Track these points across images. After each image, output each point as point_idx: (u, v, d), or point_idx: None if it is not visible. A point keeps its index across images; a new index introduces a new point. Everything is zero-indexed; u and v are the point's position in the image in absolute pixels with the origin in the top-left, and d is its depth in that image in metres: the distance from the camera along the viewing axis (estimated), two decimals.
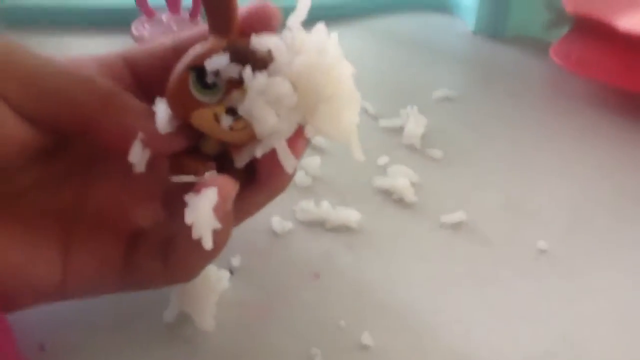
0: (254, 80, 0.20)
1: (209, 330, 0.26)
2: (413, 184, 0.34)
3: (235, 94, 0.20)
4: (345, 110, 0.21)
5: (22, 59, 0.20)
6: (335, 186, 0.34)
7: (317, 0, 0.22)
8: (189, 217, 0.19)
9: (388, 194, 0.34)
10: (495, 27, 0.52)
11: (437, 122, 0.40)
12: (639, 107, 0.42)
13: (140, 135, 0.20)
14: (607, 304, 0.28)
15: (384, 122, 0.40)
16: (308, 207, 0.32)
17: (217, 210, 0.19)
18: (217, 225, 0.20)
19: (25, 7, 0.52)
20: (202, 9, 0.46)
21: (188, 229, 0.19)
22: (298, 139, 0.21)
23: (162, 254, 0.22)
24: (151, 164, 0.21)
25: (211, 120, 0.20)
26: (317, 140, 0.37)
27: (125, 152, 0.20)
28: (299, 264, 0.30)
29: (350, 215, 0.32)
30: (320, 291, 0.28)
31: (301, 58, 0.20)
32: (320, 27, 0.21)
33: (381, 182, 0.34)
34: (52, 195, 0.22)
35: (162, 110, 0.20)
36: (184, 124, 0.20)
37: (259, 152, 0.20)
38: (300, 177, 0.34)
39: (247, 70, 0.20)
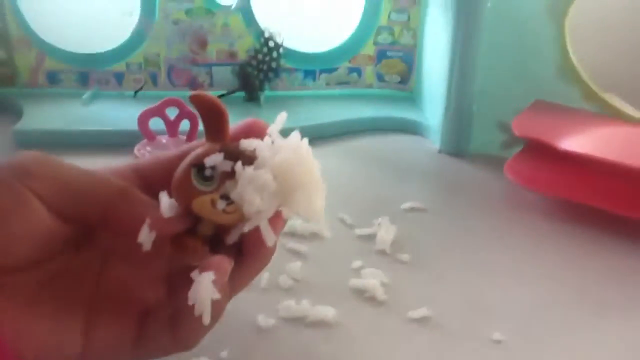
0: (244, 172, 0.25)
1: None
2: (383, 284, 0.39)
3: (228, 183, 0.25)
4: (315, 196, 0.26)
5: (52, 164, 0.25)
6: (315, 287, 0.39)
7: (297, 123, 0.28)
8: (192, 298, 0.24)
9: (361, 293, 0.38)
10: (458, 146, 0.59)
11: (406, 230, 0.45)
12: (583, 216, 0.47)
13: (147, 220, 0.25)
14: None
15: (358, 231, 0.45)
16: (290, 305, 0.36)
17: (217, 283, 0.24)
18: (217, 295, 0.24)
19: (37, 131, 0.58)
20: (198, 132, 0.53)
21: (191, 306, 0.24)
22: (277, 219, 0.26)
23: (169, 327, 0.26)
24: (156, 251, 0.25)
25: (209, 205, 0.25)
26: (298, 247, 0.42)
27: (136, 236, 0.25)
28: (282, 357, 0.33)
29: (327, 312, 0.36)
30: None
31: (280, 155, 0.25)
32: (295, 133, 0.26)
33: (355, 282, 0.39)
34: (76, 280, 0.26)
35: (165, 199, 0.25)
36: (183, 211, 0.25)
37: (247, 228, 0.25)
38: (283, 280, 0.39)
39: (239, 165, 0.25)
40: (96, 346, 0.25)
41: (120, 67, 0.68)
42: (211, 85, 0.69)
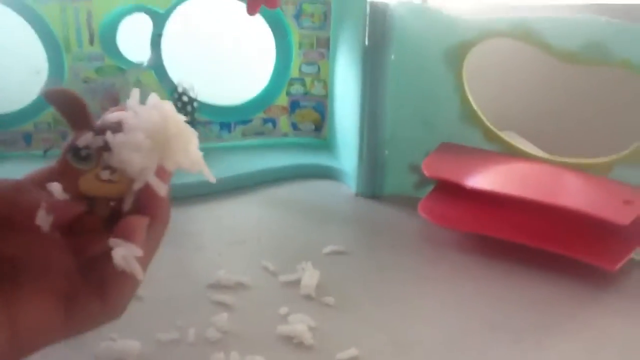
0: (116, 138, 0.26)
1: None
2: (311, 329, 0.39)
3: (105, 155, 0.26)
4: (190, 145, 0.27)
5: None
6: (243, 337, 0.39)
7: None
8: (118, 264, 0.25)
9: (290, 340, 0.38)
10: (373, 189, 0.62)
11: (329, 274, 0.46)
12: (493, 248, 0.50)
13: (43, 203, 0.26)
14: None
15: (282, 277, 0.45)
16: (219, 358, 0.36)
17: (136, 239, 0.25)
18: (140, 252, 0.25)
19: None
20: None
21: (116, 270, 0.25)
22: (162, 171, 0.27)
23: (95, 299, 0.26)
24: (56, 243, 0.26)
25: (94, 180, 0.26)
26: (223, 298, 0.42)
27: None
28: None
29: None
30: None
31: (145, 115, 0.27)
32: (152, 95, 0.28)
33: (283, 329, 0.39)
34: None
35: (55, 185, 0.26)
36: (74, 195, 0.26)
37: (136, 187, 0.26)
38: (210, 333, 0.38)
39: (109, 134, 0.26)
40: (24, 333, 0.25)
41: (28, 127, 0.66)
42: None
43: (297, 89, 0.72)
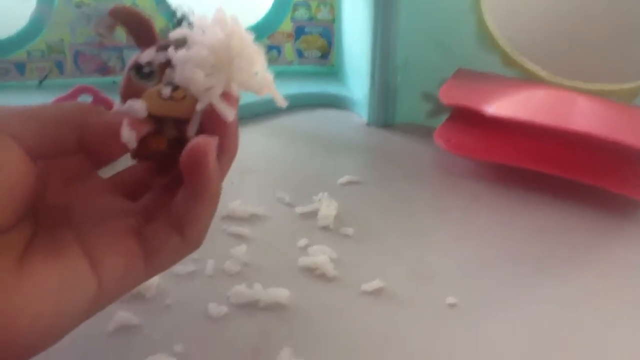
0: (178, 54, 0.25)
1: None
2: (332, 260, 0.38)
3: (168, 71, 0.26)
4: (256, 64, 0.26)
5: (8, 106, 0.23)
6: (263, 269, 0.38)
7: None
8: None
9: (311, 271, 0.37)
10: (385, 117, 0.59)
11: (346, 205, 0.44)
12: (510, 177, 0.49)
13: (125, 120, 0.24)
14: (508, 343, 0.32)
15: (299, 209, 0.44)
16: (241, 290, 0.35)
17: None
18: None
19: None
20: None
21: (191, 199, 0.24)
22: (228, 94, 0.25)
23: (173, 231, 0.25)
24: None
25: (156, 97, 0.25)
26: (240, 230, 0.41)
27: (114, 148, 0.24)
28: (239, 343, 0.32)
29: (281, 293, 0.35)
30: None
31: (209, 31, 0.25)
32: (219, 9, 0.26)
33: (304, 261, 0.38)
34: (55, 224, 0.23)
35: (134, 102, 0.25)
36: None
37: (200, 106, 0.25)
38: (229, 265, 0.37)
39: (171, 50, 0.25)
40: (110, 279, 0.23)
41: (20, 55, 0.63)
42: (123, 69, 0.65)
43: (302, 13, 0.68)
